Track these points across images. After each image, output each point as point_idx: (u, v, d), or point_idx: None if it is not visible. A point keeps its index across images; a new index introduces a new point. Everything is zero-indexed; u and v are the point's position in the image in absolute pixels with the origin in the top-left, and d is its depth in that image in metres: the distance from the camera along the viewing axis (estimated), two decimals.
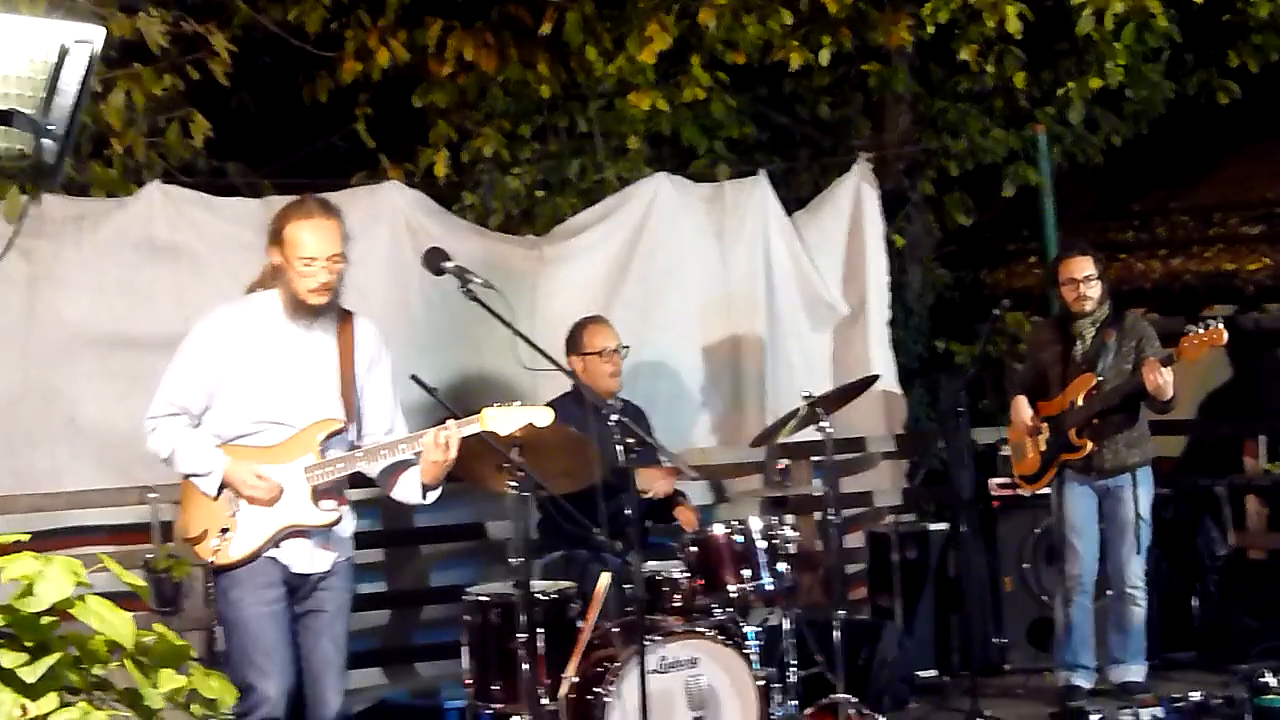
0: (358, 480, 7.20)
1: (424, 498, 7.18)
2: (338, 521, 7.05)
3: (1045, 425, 9.70)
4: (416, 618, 9.96)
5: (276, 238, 6.91)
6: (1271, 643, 10.48)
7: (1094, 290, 9.56)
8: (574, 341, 9.17)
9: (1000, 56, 12.41)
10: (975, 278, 16.24)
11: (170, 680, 4.53)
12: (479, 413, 6.99)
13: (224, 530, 6.79)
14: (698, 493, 10.21)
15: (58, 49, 4.08)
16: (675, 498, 9.31)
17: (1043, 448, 9.70)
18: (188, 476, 6.87)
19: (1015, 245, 16.28)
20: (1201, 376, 12.96)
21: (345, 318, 7.13)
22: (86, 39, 4.14)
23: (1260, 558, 11.34)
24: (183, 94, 10.63)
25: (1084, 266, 9.58)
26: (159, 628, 4.64)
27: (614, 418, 7.54)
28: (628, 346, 9.21)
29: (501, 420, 7.05)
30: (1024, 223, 14.68)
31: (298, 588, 7.01)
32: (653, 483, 8.99)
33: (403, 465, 7.12)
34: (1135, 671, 9.73)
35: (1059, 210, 12.55)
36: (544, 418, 7.09)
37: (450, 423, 6.96)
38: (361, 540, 9.71)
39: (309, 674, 7.06)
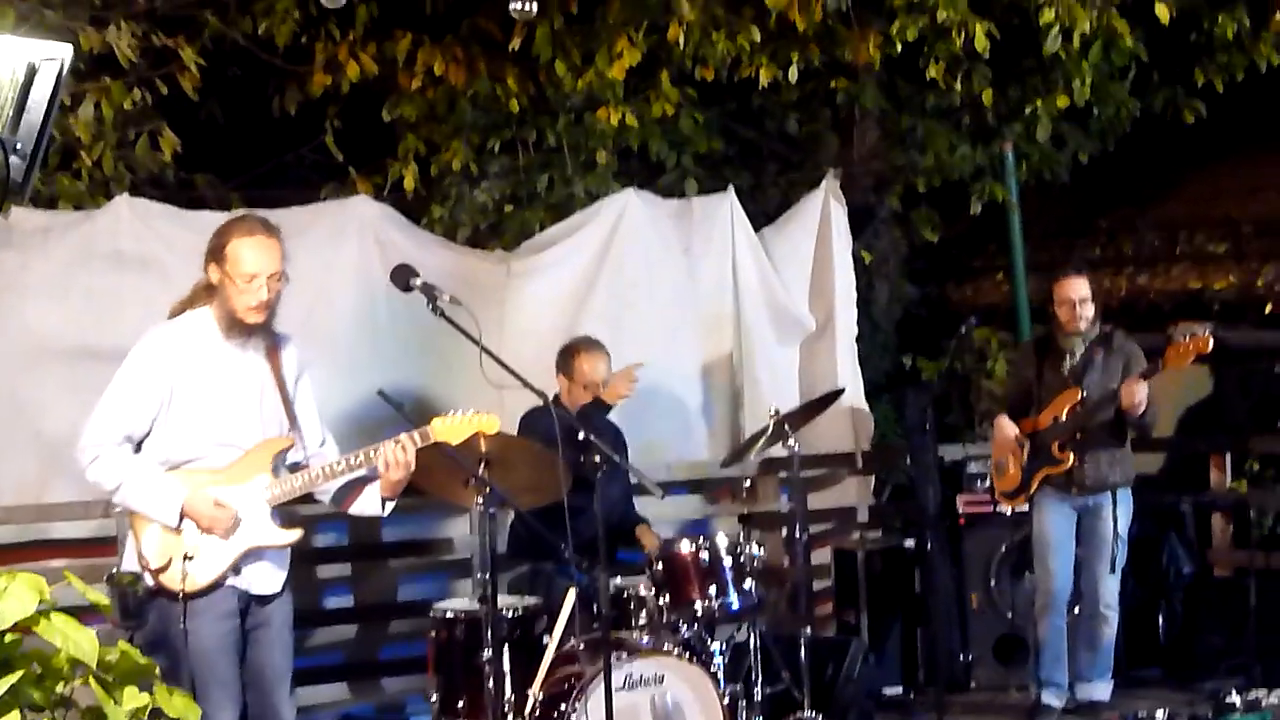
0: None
1: (383, 510, 7.16)
2: (298, 539, 7.00)
3: (1026, 441, 9.72)
4: (382, 632, 9.93)
5: (218, 254, 6.81)
6: (1236, 660, 10.52)
7: (1089, 311, 9.60)
8: (562, 359, 9.22)
9: (968, 74, 12.42)
10: (942, 293, 16.27)
11: (133, 698, 4.52)
12: (429, 424, 7.01)
13: (187, 557, 6.67)
14: (670, 509, 10.22)
15: (25, 67, 4.06)
16: (638, 521, 9.32)
17: (1023, 463, 9.72)
18: (139, 511, 6.78)
19: (982, 261, 16.32)
20: (1182, 390, 12.99)
21: (270, 335, 7.04)
22: (54, 57, 4.13)
23: (1225, 575, 11.38)
24: (152, 107, 10.62)
25: (1081, 288, 9.60)
26: (123, 645, 4.63)
27: (581, 435, 7.53)
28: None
29: (450, 430, 7.08)
30: (991, 239, 14.71)
31: (248, 608, 6.93)
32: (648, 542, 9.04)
33: (361, 482, 7.09)
34: (1101, 689, 9.75)
35: (1026, 227, 12.60)
36: (490, 425, 7.14)
37: (403, 436, 6.96)
38: (328, 555, 9.79)
39: (260, 689, 6.96)
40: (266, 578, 6.96)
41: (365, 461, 6.96)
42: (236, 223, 6.96)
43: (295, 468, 7.01)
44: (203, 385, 6.77)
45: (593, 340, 9.32)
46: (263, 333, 6.94)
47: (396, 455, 6.92)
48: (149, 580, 6.68)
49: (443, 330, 7.59)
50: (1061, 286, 9.64)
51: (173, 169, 10.78)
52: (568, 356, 9.24)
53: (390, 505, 7.16)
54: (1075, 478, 9.56)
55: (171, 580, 6.67)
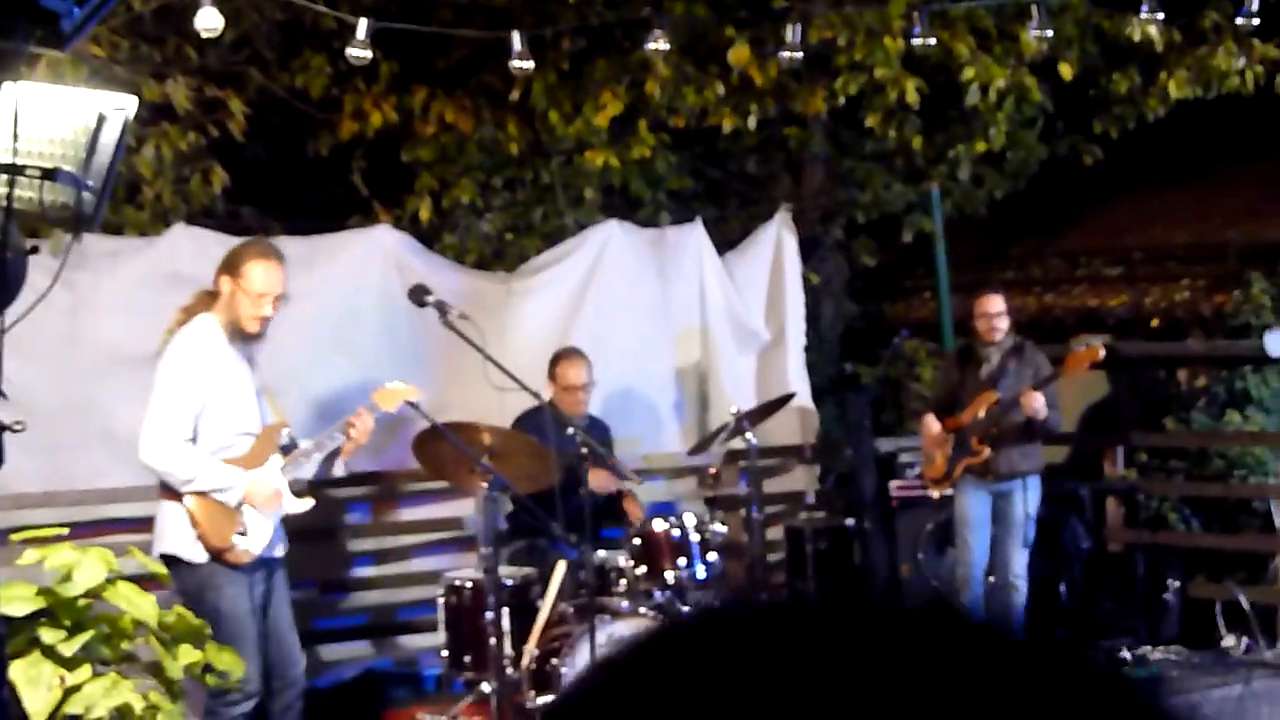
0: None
1: (344, 470, 7.68)
2: (312, 507, 7.28)
3: (950, 436, 9.74)
4: (400, 598, 9.90)
5: (234, 269, 6.99)
6: (1127, 623, 10.55)
7: (1003, 324, 9.64)
8: (552, 369, 9.20)
9: (901, 123, 12.43)
10: (878, 310, 16.25)
11: (188, 654, 4.54)
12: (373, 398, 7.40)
13: (241, 533, 6.85)
14: (645, 492, 10.22)
15: (96, 115, 4.08)
16: (624, 493, 9.30)
17: (949, 454, 9.76)
18: (207, 493, 6.84)
19: (912, 282, 16.30)
20: (1084, 393, 13.01)
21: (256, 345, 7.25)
22: (121, 106, 4.14)
23: (1117, 550, 11.37)
24: (204, 148, 10.63)
25: (996, 304, 9.65)
26: (179, 609, 4.63)
27: (570, 430, 7.54)
28: (595, 382, 9.30)
29: (385, 398, 7.41)
30: (920, 263, 14.69)
31: (269, 571, 7.12)
32: (599, 481, 9.00)
33: (336, 452, 7.36)
34: None
35: (949, 253, 12.58)
36: (412, 393, 7.47)
37: (361, 408, 7.27)
38: (352, 531, 9.79)
39: (279, 637, 7.11)
40: (282, 543, 7.18)
41: (343, 430, 7.22)
42: (254, 245, 7.21)
43: (285, 449, 7.19)
44: (223, 383, 6.93)
45: (574, 350, 9.32)
46: (255, 342, 7.10)
47: (366, 422, 7.19)
48: (202, 556, 6.76)
49: (453, 343, 7.69)
50: (980, 303, 9.69)
51: (222, 202, 10.78)
52: (552, 364, 9.25)
53: (345, 466, 7.63)
54: (991, 467, 9.59)
55: (235, 556, 6.78)
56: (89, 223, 4.04)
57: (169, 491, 6.90)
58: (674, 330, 11.01)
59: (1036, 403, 9.29)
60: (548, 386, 9.17)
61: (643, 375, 10.61)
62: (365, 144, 11.72)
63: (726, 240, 11.89)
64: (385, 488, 9.87)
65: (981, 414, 9.61)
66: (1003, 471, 9.60)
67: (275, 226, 10.93)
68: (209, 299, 7.08)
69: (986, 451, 9.57)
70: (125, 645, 4.44)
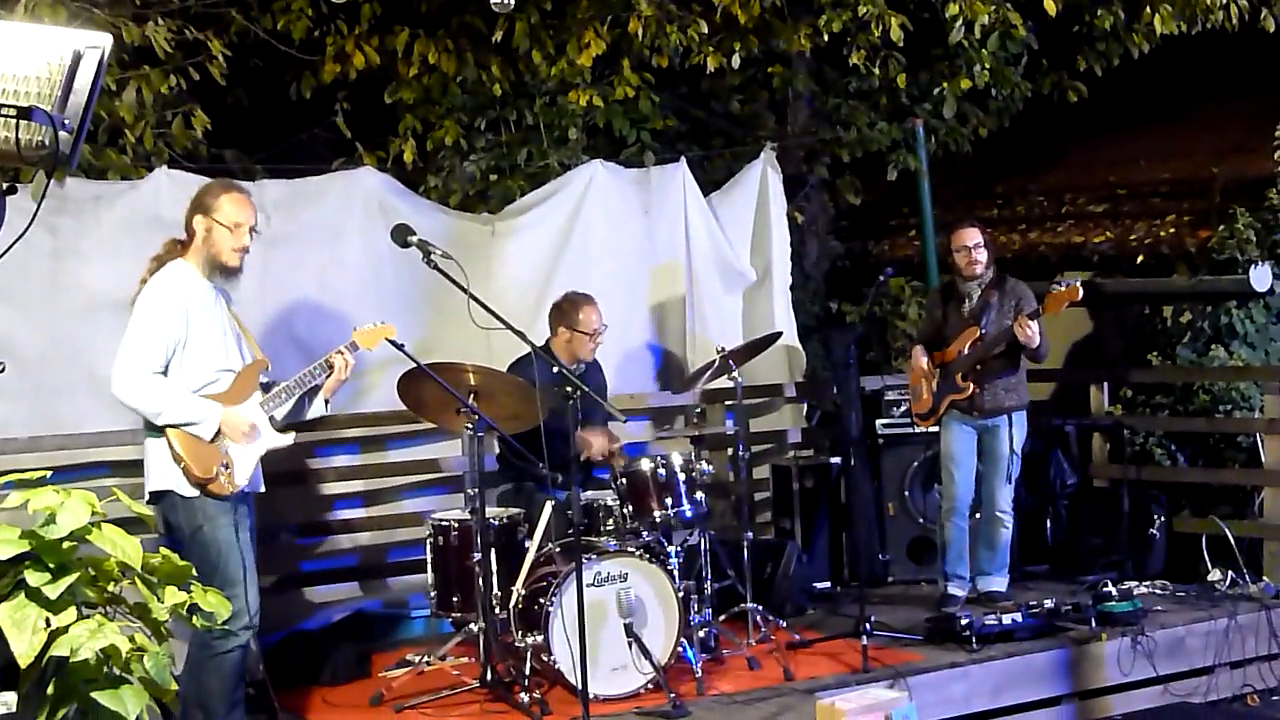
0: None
1: (326, 409, 7.53)
2: (294, 440, 7.34)
3: (936, 371, 9.74)
4: (389, 539, 9.91)
5: (207, 208, 7.12)
6: (1112, 558, 10.60)
7: (982, 255, 9.64)
8: (566, 314, 9.18)
9: (885, 60, 12.37)
10: (864, 248, 16.24)
11: (174, 596, 4.52)
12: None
13: (224, 465, 6.90)
14: (633, 433, 10.24)
15: (72, 53, 4.04)
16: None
17: (934, 390, 9.76)
18: (178, 426, 6.87)
19: (897, 221, 16.30)
20: (1068, 330, 13.01)
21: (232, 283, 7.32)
22: (97, 45, 4.10)
23: (1103, 485, 11.40)
24: (186, 91, 10.55)
25: (974, 236, 9.65)
26: (164, 550, 4.62)
27: (556, 369, 7.51)
28: (607, 326, 9.29)
29: (366, 337, 7.51)
30: (905, 202, 14.67)
31: (248, 504, 7.22)
32: (588, 445, 8.97)
33: (312, 392, 7.42)
34: (999, 582, 9.81)
35: (934, 191, 12.58)
36: (390, 331, 7.55)
37: (342, 347, 7.38)
38: (341, 472, 9.78)
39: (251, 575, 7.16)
40: (260, 477, 7.27)
41: (324, 368, 7.32)
42: (219, 184, 7.39)
43: (266, 387, 7.26)
44: (205, 321, 7.03)
45: (588, 295, 9.29)
46: (233, 279, 7.19)
47: (347, 359, 7.33)
48: (192, 489, 6.84)
49: (438, 285, 7.70)
50: (957, 235, 9.71)
51: (204, 145, 10.69)
52: (570, 311, 9.18)
53: (329, 405, 7.54)
54: (976, 403, 9.61)
55: (219, 486, 6.86)
56: (66, 162, 4.00)
57: (153, 428, 6.92)
58: (658, 270, 10.97)
59: (1031, 330, 9.28)
60: (560, 334, 9.15)
61: (628, 314, 10.57)
62: (348, 86, 11.62)
63: (711, 180, 11.85)
64: (372, 429, 9.84)
65: (965, 350, 9.61)
66: (988, 407, 9.61)
67: (258, 170, 10.89)
68: (179, 247, 7.16)
69: (971, 388, 9.58)
70: (110, 588, 4.42)
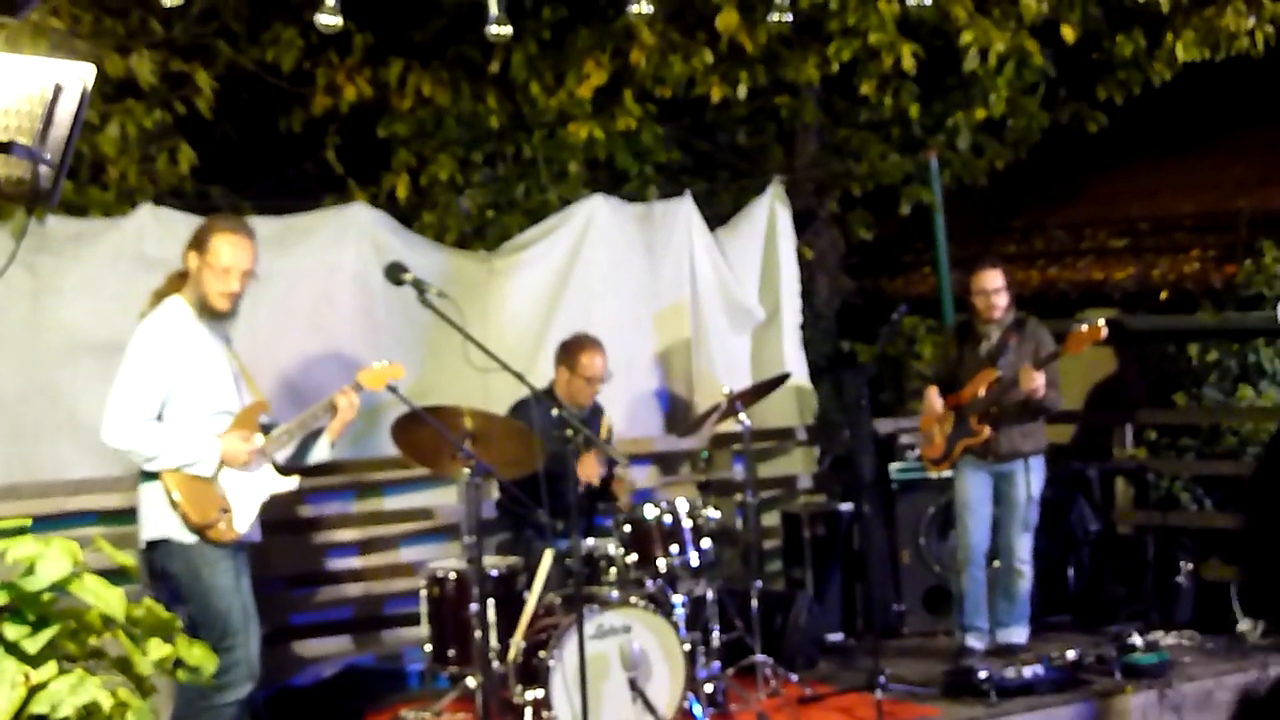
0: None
1: (330, 452, 7.55)
2: (298, 486, 7.39)
3: (949, 414, 9.74)
4: (383, 590, 9.89)
5: (200, 245, 7.09)
6: (1137, 607, 10.56)
7: (1002, 300, 9.64)
8: (568, 354, 9.18)
9: (897, 90, 12.42)
10: (876, 285, 16.26)
11: (158, 649, 4.50)
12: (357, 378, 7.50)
13: (223, 510, 6.92)
14: (636, 479, 10.22)
15: (53, 85, 4.05)
16: (611, 475, 9.27)
17: (948, 434, 9.75)
18: (178, 468, 6.87)
19: (911, 257, 16.32)
20: (1089, 370, 13.01)
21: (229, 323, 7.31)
22: (79, 76, 4.11)
23: (1127, 532, 11.38)
24: (171, 125, 10.59)
25: (996, 279, 9.64)
26: (148, 602, 4.60)
27: (555, 412, 7.51)
28: (612, 374, 9.29)
29: (371, 378, 7.52)
30: (918, 237, 14.69)
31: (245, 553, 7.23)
32: (586, 470, 8.96)
33: (315, 433, 7.43)
34: (1018, 634, 9.79)
35: (949, 226, 12.57)
36: (397, 372, 7.58)
37: (345, 387, 7.36)
38: (333, 521, 9.77)
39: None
40: (259, 527, 7.27)
41: (328, 409, 7.33)
42: (220, 220, 7.31)
43: (265, 428, 7.24)
44: (196, 362, 7.01)
45: (592, 338, 9.26)
46: (227, 320, 7.16)
47: (352, 400, 7.32)
48: (190, 536, 6.87)
49: (433, 325, 7.72)
50: (978, 278, 9.68)
51: (190, 181, 10.72)
52: (572, 352, 9.19)
53: (335, 448, 7.56)
54: (991, 447, 9.60)
55: (218, 533, 6.88)
56: (47, 199, 4.01)
57: (146, 474, 6.92)
58: (662, 309, 10.99)
59: (1035, 381, 9.29)
60: (558, 373, 9.15)
61: (631, 355, 10.59)
62: (339, 119, 11.67)
63: (717, 215, 11.88)
64: (366, 476, 9.84)
65: (981, 392, 9.60)
66: (1003, 452, 9.60)
67: (246, 206, 10.90)
68: (180, 280, 7.12)
69: (986, 431, 9.57)
70: (92, 640, 4.40)
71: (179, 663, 4.57)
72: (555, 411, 7.44)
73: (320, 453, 7.50)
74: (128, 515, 7.50)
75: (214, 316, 7.09)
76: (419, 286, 7.27)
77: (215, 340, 7.14)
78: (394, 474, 9.77)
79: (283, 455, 7.32)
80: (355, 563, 9.94)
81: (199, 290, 7.04)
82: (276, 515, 8.28)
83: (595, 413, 9.37)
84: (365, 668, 9.64)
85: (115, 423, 6.85)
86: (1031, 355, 9.51)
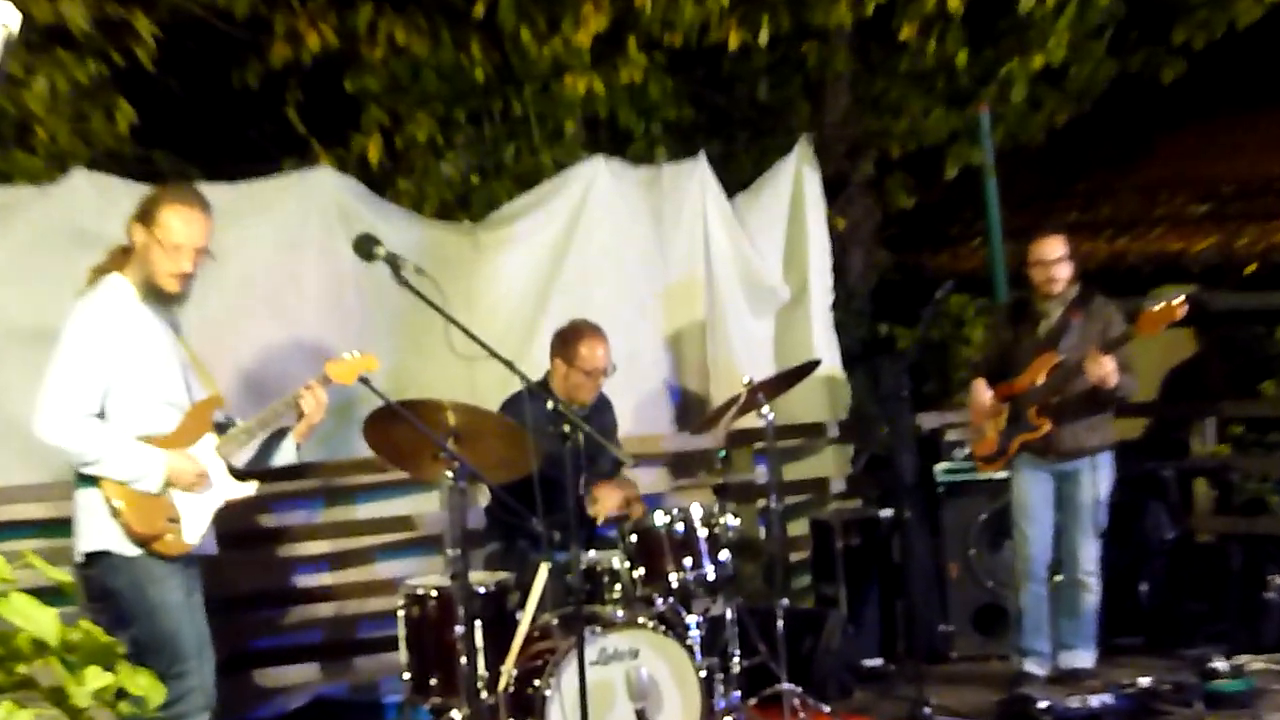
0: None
1: (296, 455, 7.55)
2: (256, 491, 7.36)
3: (1004, 406, 9.73)
4: (355, 610, 9.92)
5: (148, 218, 7.05)
6: (1220, 627, 10.56)
7: (1064, 272, 9.60)
8: (563, 344, 9.15)
9: (941, 35, 12.45)
10: (918, 260, 16.29)
11: (97, 678, 4.52)
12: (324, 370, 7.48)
13: (171, 520, 6.93)
14: (643, 481, 10.23)
15: None
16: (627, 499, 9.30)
17: (1002, 428, 9.74)
18: (115, 481, 6.88)
19: (958, 227, 16.35)
20: (1164, 355, 13.02)
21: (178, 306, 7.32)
22: (2, 22, 4.11)
23: (1208, 541, 11.38)
24: (108, 80, 10.60)
25: (1056, 248, 9.59)
26: (85, 624, 4.62)
27: (550, 405, 7.52)
28: (615, 366, 9.21)
29: (340, 371, 7.51)
30: (967, 204, 14.71)
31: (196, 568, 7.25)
32: (597, 503, 8.96)
33: (279, 433, 7.44)
34: (1084, 657, 9.79)
35: (1002, 191, 12.58)
36: (371, 364, 7.54)
37: (311, 381, 7.38)
38: (299, 532, 9.80)
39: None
40: (213, 538, 7.25)
41: (289, 407, 7.34)
42: (171, 191, 7.26)
43: (220, 427, 7.26)
44: (138, 349, 6.98)
45: (594, 326, 9.19)
46: (176, 303, 7.17)
47: (318, 397, 7.34)
48: (134, 549, 6.87)
49: (410, 309, 7.70)
50: (1036, 247, 9.65)
51: (131, 144, 10.76)
52: (569, 341, 9.16)
53: (302, 450, 7.56)
54: (1053, 444, 9.58)
55: (166, 545, 6.90)
56: None
57: (85, 478, 6.92)
58: (672, 288, 11.03)
59: (1105, 367, 9.26)
60: (554, 365, 9.14)
61: (637, 341, 10.62)
62: (301, 72, 11.70)
63: (735, 180, 11.89)
64: (336, 481, 9.87)
65: (1041, 380, 9.59)
66: (1067, 448, 9.60)
67: (195, 172, 10.93)
68: (123, 257, 7.11)
69: (1047, 425, 9.56)
70: (21, 669, 4.42)
71: (121, 693, 4.59)
72: (551, 405, 7.46)
73: (285, 455, 7.51)
74: (63, 526, 7.52)
75: (161, 299, 7.07)
76: (393, 262, 7.25)
77: (162, 326, 7.12)
78: (368, 478, 9.81)
79: (242, 458, 7.33)
80: (325, 579, 9.98)
81: (145, 269, 7.01)
82: (234, 525, 8.31)
83: (601, 410, 9.34)
84: (336, 699, 9.67)
85: (50, 415, 6.83)
86: (1099, 337, 9.49)
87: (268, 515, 9.70)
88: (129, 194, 9.13)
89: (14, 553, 4.68)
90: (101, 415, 6.89)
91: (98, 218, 8.90)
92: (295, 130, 11.76)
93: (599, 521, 8.93)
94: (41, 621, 4.40)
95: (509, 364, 7.28)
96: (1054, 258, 9.57)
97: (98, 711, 4.55)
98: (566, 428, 7.35)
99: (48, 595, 4.70)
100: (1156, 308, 9.09)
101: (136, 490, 6.88)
